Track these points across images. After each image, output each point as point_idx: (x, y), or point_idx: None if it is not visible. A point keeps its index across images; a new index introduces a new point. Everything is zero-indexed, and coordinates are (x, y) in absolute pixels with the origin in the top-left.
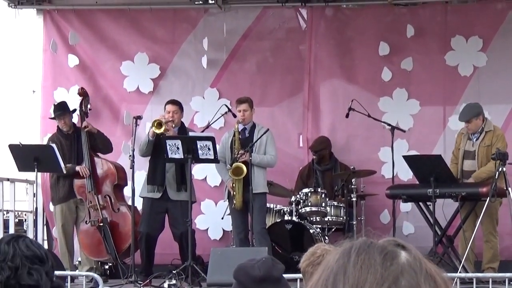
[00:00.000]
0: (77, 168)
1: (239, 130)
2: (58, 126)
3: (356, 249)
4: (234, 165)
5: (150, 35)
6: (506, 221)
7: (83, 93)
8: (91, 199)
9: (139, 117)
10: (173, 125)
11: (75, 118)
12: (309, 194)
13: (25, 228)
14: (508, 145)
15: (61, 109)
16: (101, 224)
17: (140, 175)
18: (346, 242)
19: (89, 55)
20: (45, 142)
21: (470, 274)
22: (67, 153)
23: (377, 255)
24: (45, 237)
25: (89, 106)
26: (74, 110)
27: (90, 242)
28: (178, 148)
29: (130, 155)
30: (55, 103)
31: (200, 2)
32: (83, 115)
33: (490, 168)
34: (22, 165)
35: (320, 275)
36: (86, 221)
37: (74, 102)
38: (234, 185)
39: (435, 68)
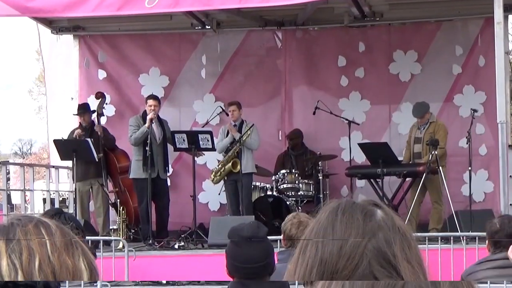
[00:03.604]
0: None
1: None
2: (79, 122)
3: (341, 209)
4: (233, 160)
5: (161, 54)
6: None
7: (100, 95)
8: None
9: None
10: (155, 115)
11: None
12: (286, 174)
13: (67, 204)
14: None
15: (82, 109)
16: (115, 203)
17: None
18: (333, 202)
19: (115, 70)
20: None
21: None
22: None
23: (359, 214)
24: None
25: (104, 106)
26: (94, 111)
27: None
28: (184, 140)
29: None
30: (79, 103)
31: (199, 27)
32: (100, 113)
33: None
34: (64, 155)
35: (312, 228)
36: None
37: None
38: (222, 168)
39: (381, 75)
